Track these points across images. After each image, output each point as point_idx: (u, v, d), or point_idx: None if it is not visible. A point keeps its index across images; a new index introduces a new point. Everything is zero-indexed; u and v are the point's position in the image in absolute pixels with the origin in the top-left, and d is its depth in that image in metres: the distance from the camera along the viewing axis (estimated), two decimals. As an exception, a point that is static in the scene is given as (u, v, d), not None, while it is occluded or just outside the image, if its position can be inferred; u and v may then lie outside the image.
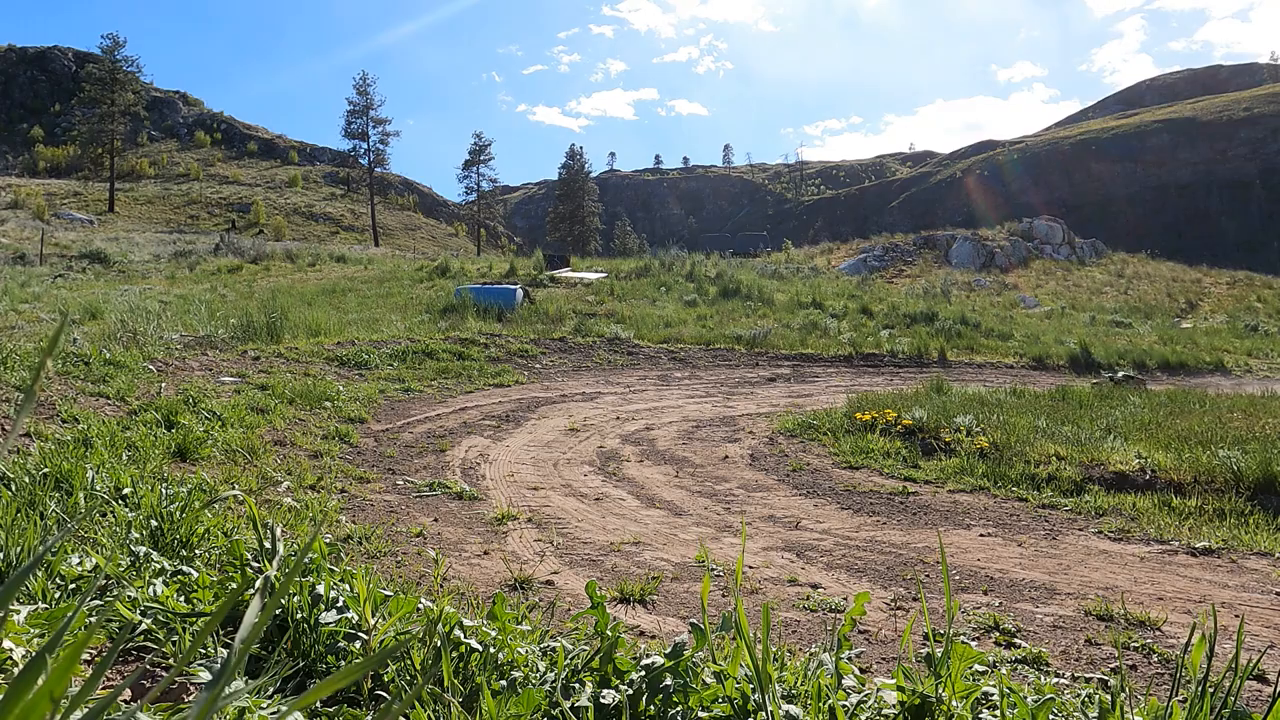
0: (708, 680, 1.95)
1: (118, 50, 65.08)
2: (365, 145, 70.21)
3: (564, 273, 31.36)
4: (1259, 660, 1.73)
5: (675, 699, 1.92)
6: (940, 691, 1.82)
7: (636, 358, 16.90)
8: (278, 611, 2.26)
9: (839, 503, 7.53)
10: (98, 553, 2.78)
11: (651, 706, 1.92)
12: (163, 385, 8.90)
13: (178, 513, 3.17)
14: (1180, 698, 1.72)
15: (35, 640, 2.02)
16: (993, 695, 1.81)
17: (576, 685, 2.03)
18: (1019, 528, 6.85)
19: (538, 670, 2.11)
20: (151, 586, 2.45)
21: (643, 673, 1.97)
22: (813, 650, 2.26)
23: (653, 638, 4.09)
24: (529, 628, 2.51)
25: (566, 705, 1.92)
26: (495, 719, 1.87)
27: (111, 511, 3.36)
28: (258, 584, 2.22)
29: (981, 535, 6.60)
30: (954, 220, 44.70)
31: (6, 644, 1.92)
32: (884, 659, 3.98)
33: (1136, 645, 4.39)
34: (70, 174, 69.41)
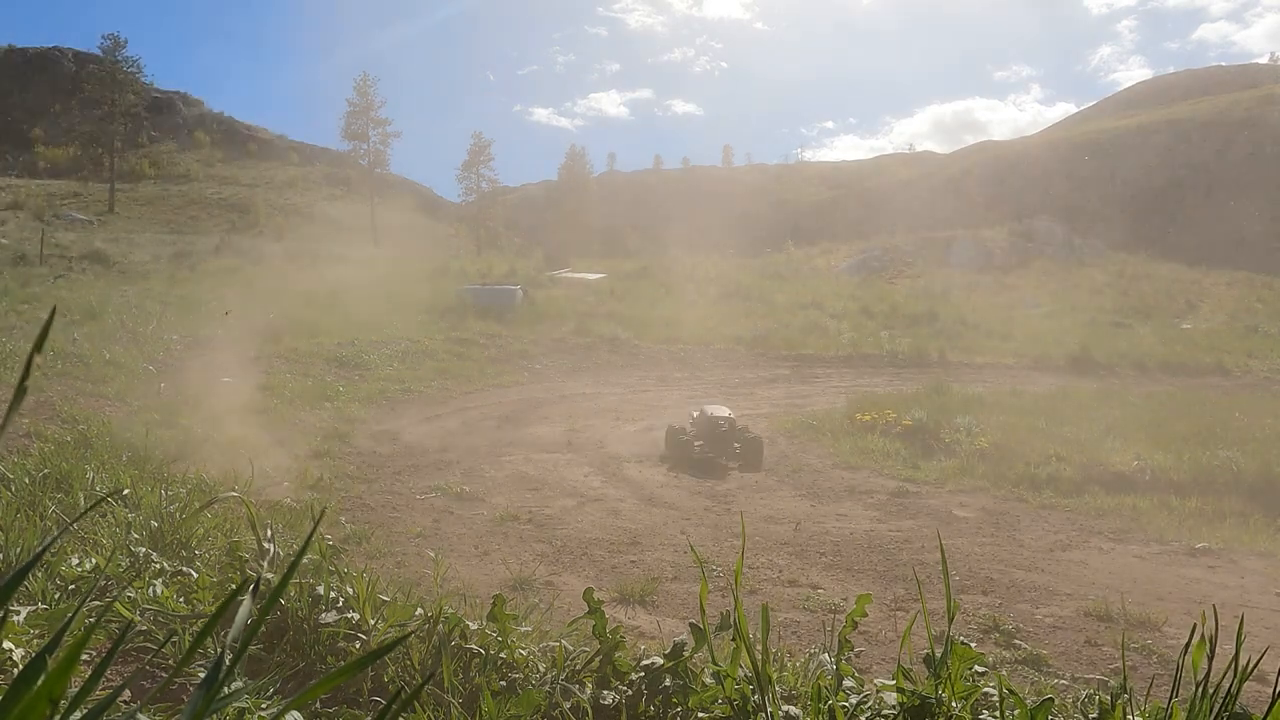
0: (707, 681, 1.95)
1: (118, 50, 64.89)
2: (365, 146, 69.99)
3: (564, 273, 31.33)
4: (1259, 660, 1.72)
5: (675, 700, 1.91)
6: (940, 693, 1.82)
7: (636, 358, 16.89)
8: (278, 613, 2.26)
9: (839, 502, 7.53)
10: (98, 553, 2.78)
11: (651, 707, 1.92)
12: (162, 385, 8.90)
13: (178, 513, 3.17)
14: (1180, 698, 1.72)
15: (35, 640, 2.02)
16: (992, 696, 1.81)
17: (576, 686, 2.02)
18: (1019, 528, 6.86)
19: (538, 671, 2.10)
20: (151, 587, 2.45)
21: (642, 674, 1.96)
22: (813, 651, 2.26)
23: (652, 638, 4.09)
24: (529, 628, 2.51)
25: (566, 706, 1.92)
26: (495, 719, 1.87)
27: (111, 512, 3.36)
28: (253, 585, 2.21)
29: (982, 535, 6.60)
30: (954, 220, 44.65)
31: (6, 644, 1.91)
32: (884, 659, 3.98)
33: (1136, 645, 4.39)
34: (70, 174, 69.26)
